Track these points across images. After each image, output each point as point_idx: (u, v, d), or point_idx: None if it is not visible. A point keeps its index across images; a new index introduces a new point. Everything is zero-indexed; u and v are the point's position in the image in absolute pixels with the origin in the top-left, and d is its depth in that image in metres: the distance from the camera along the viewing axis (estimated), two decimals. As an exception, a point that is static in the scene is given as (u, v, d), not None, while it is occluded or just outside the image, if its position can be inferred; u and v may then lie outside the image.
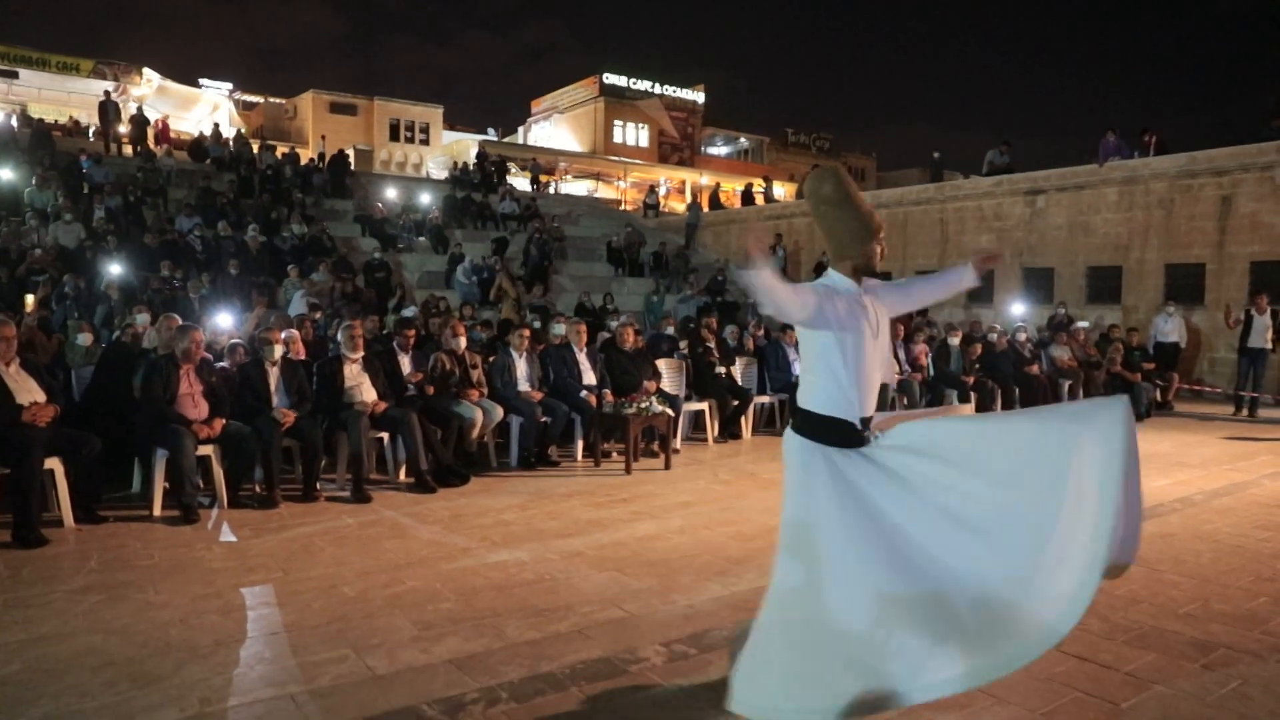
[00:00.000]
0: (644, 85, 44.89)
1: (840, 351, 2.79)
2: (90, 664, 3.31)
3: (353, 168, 23.15)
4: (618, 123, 44.00)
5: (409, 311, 11.94)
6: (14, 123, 23.06)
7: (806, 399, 2.88)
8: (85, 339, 7.44)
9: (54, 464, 5.16)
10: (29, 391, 5.09)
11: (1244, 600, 4.21)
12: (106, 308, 10.80)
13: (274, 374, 6.20)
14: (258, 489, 6.09)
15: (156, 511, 5.56)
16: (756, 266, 2.69)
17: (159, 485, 5.58)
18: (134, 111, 23.16)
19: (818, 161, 45.05)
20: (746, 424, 9.31)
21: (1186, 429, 10.32)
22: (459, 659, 3.40)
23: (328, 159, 22.40)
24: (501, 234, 19.59)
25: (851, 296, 2.85)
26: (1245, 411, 11.51)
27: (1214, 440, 9.40)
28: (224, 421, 5.76)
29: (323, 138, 26.43)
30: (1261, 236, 13.57)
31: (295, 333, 7.01)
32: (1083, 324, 13.07)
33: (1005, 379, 11.03)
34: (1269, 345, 11.51)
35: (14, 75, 32.70)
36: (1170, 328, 13.20)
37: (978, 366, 10.87)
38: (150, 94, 32.12)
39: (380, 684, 3.17)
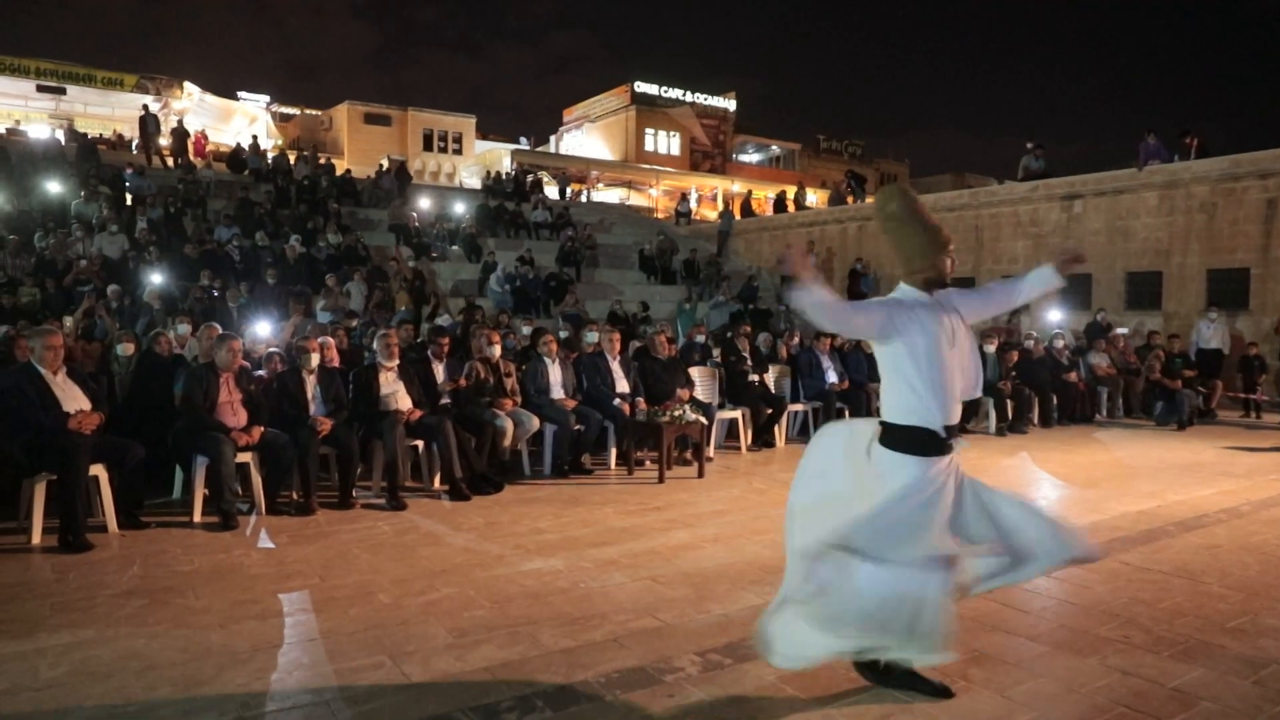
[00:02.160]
0: (675, 93, 44.98)
1: (914, 361, 2.88)
2: (133, 668, 3.37)
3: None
4: (649, 131, 44.11)
5: (443, 320, 12.05)
6: (60, 137, 23.66)
7: (889, 411, 2.98)
8: (126, 349, 7.58)
9: (99, 470, 5.27)
10: (75, 399, 5.21)
11: (1295, 615, 4.10)
12: (148, 317, 11.03)
13: (311, 382, 6.28)
14: (295, 496, 6.17)
15: (196, 518, 5.65)
16: (806, 285, 2.83)
17: (199, 492, 5.67)
18: (175, 124, 23.68)
19: (850, 168, 44.77)
20: (780, 432, 9.26)
21: (1231, 438, 10.09)
22: (494, 666, 3.41)
23: (386, 167, 22.74)
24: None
25: (925, 307, 2.94)
26: (1292, 420, 11.23)
27: (1260, 450, 9.17)
28: (262, 429, 5.84)
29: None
30: (1309, 240, 13.24)
31: (330, 339, 7.09)
32: (1122, 330, 12.86)
33: (1042, 386, 10.86)
34: None
35: (62, 91, 33.57)
36: (1212, 334, 12.92)
37: (1014, 374, 10.72)
38: (191, 107, 32.78)
39: (416, 691, 3.19)
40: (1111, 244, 15.47)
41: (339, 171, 22.25)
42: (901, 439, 2.92)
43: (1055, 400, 11.00)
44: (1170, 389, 11.19)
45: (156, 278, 11.91)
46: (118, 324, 10.27)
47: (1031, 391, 10.68)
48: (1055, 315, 13.51)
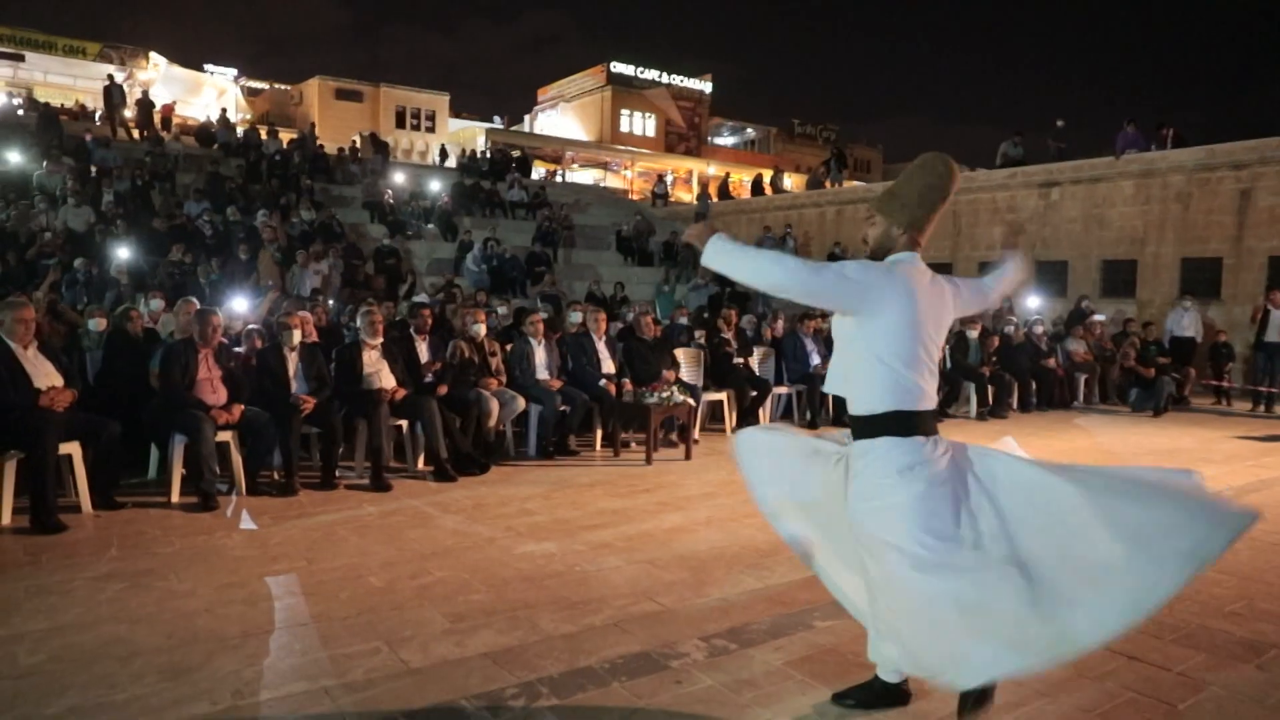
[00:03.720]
0: (651, 74, 44.70)
1: (910, 338, 2.48)
2: (117, 654, 3.23)
3: (360, 155, 23.00)
4: (625, 112, 43.82)
5: (421, 298, 11.85)
6: (16, 105, 22.89)
7: (860, 401, 2.55)
8: (97, 324, 7.33)
9: (71, 449, 5.08)
10: (46, 375, 5.00)
11: (1290, 599, 4.12)
12: (116, 292, 10.72)
13: (293, 359, 6.11)
14: (276, 476, 6.00)
15: (175, 498, 5.47)
16: (707, 243, 2.47)
17: (177, 471, 5.49)
18: (140, 96, 23.01)
19: (823, 153, 44.92)
20: (765, 415, 9.22)
21: (1206, 424, 10.22)
22: (494, 652, 3.31)
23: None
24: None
25: (922, 278, 2.56)
26: (1262, 407, 11.40)
27: (1234, 436, 9.29)
28: (243, 407, 5.67)
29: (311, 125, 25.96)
30: (1280, 231, 13.43)
31: (308, 314, 6.91)
32: (1099, 317, 12.96)
33: (1022, 372, 10.93)
34: None
35: (20, 59, 32.52)
36: (1186, 322, 13.08)
37: (995, 359, 10.77)
38: (157, 79, 31.93)
39: (416, 678, 3.08)
40: (1088, 232, 15.60)
41: (317, 144, 21.74)
42: (881, 427, 2.48)
43: (1034, 386, 11.08)
44: (1145, 376, 11.32)
45: (124, 252, 11.55)
46: (85, 298, 9.97)
47: (1011, 376, 10.74)
48: (1033, 302, 13.60)
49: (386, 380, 6.46)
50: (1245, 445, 8.70)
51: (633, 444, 7.98)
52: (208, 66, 37.97)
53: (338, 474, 6.09)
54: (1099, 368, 12.03)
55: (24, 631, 3.43)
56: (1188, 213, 14.32)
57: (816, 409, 9.45)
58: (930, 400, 2.56)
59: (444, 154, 30.79)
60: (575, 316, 8.67)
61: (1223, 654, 3.45)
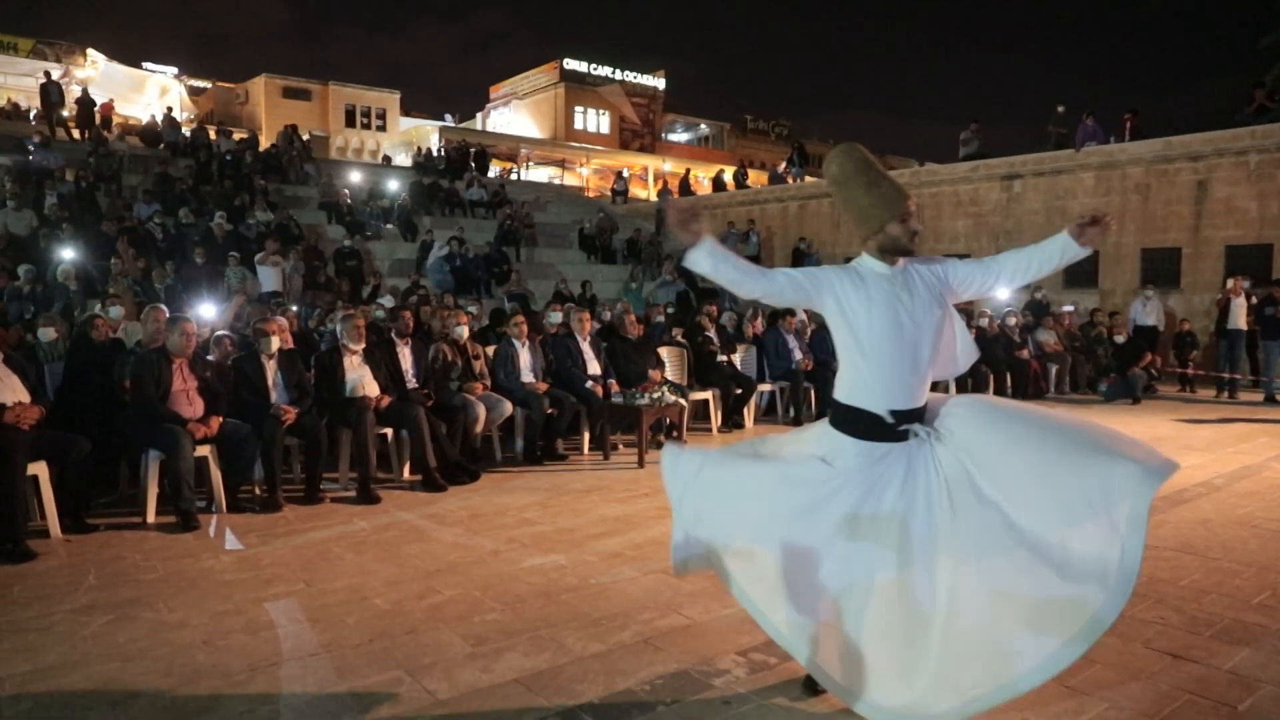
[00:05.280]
0: (604, 71, 44.37)
1: (854, 335, 2.64)
2: (112, 698, 2.95)
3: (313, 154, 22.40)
4: (579, 109, 43.44)
5: (386, 301, 11.50)
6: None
7: (836, 387, 2.78)
8: (48, 334, 6.88)
9: (39, 469, 4.73)
10: (13, 390, 4.65)
11: (1310, 588, 4.10)
12: (65, 299, 10.21)
13: (271, 368, 5.80)
14: (258, 491, 5.70)
15: (151, 518, 5.15)
16: (693, 245, 2.56)
17: (152, 490, 5.16)
18: (79, 94, 22.09)
19: (776, 148, 45.12)
20: (749, 413, 9.10)
21: (1179, 410, 10.37)
22: (525, 677, 3.11)
23: (294, 142, 21.61)
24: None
25: (880, 278, 2.67)
26: (1226, 394, 11.63)
27: (1209, 423, 9.43)
28: (221, 420, 5.35)
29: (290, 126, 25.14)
30: (1236, 220, 13.74)
31: (284, 320, 6.59)
32: (1068, 308, 13.12)
33: (997, 364, 10.99)
34: (1244, 327, 11.63)
35: (-55, 56, 31.07)
36: (1149, 311, 13.30)
37: (971, 351, 10.79)
38: (96, 76, 30.73)
39: (447, 709, 2.87)
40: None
41: (272, 145, 21.05)
42: (841, 418, 2.70)
43: (1009, 377, 11.14)
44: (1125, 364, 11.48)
45: (71, 255, 11.01)
46: (32, 306, 9.47)
47: (987, 368, 10.79)
48: (1003, 293, 13.70)
49: (370, 387, 6.18)
50: (1222, 430, 8.83)
51: (620, 446, 7.79)
52: (146, 64, 36.70)
53: (322, 487, 5.80)
54: (1069, 358, 12.16)
55: (3, 676, 3.13)
56: (1147, 204, 14.58)
57: (800, 405, 9.36)
58: (900, 396, 2.64)
59: (387, 160, 30.19)
60: (555, 317, 8.46)
61: (1266, 649, 3.39)
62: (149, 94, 32.99)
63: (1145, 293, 13.49)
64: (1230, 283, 11.86)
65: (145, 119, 23.87)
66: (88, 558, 4.51)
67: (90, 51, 32.24)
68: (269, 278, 11.81)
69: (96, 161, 16.47)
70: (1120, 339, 12.04)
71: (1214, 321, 12.07)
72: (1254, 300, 11.63)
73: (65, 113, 20.85)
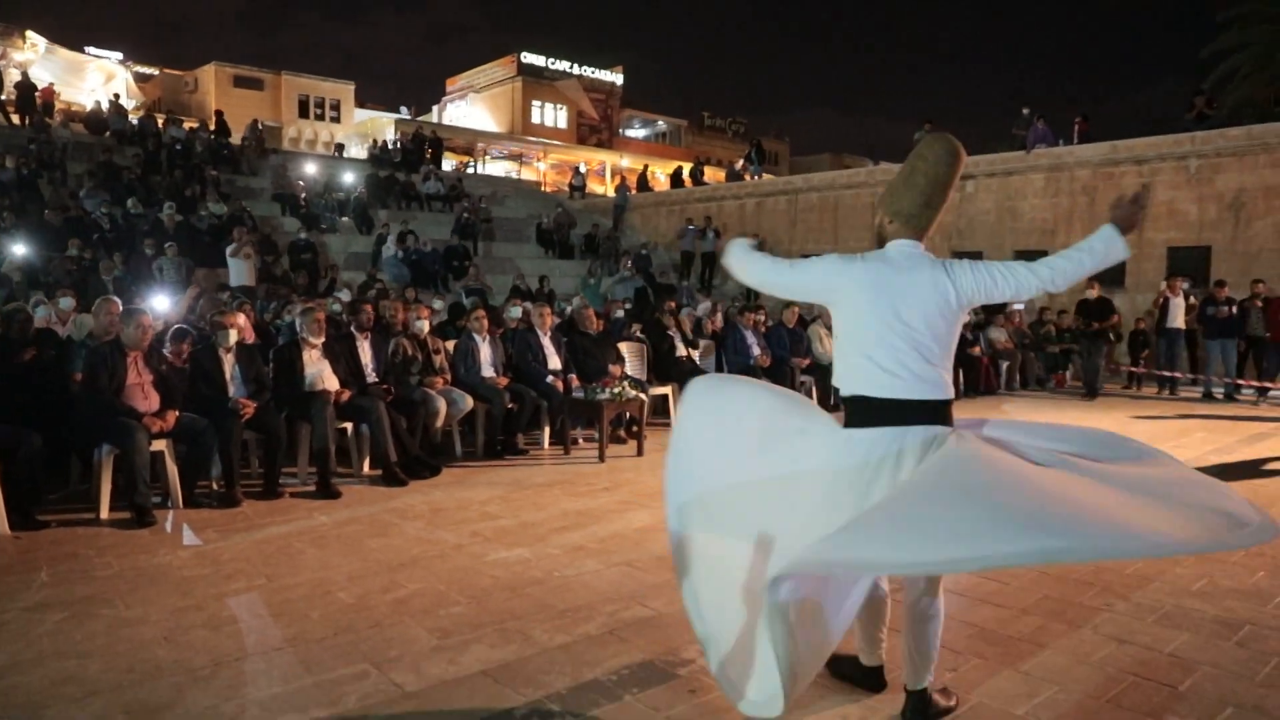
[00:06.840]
0: (562, 65, 44.19)
1: (858, 321, 2.59)
2: (71, 695, 2.91)
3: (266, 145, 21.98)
4: (536, 103, 43.22)
5: (343, 294, 11.36)
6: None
7: (839, 381, 2.67)
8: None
9: (-13, 464, 4.62)
10: (-42, 384, 4.53)
11: (1245, 576, 4.28)
12: (8, 290, 9.92)
13: (229, 361, 5.71)
14: (215, 486, 5.62)
15: (104, 514, 5.05)
16: (733, 244, 2.87)
17: (106, 485, 5.06)
18: (18, 78, 21.37)
19: (732, 145, 45.36)
20: (708, 408, 9.17)
21: (1130, 408, 10.72)
22: (492, 669, 3.14)
23: (243, 135, 21.18)
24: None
25: (879, 258, 2.62)
26: (1167, 391, 12.02)
27: (1150, 419, 9.75)
28: (177, 413, 5.26)
29: (218, 112, 24.25)
30: (1177, 223, 14.20)
31: (244, 314, 6.49)
32: (1018, 306, 13.43)
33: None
34: (1183, 326, 12.05)
35: (-128, 36, 29.79)
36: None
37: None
38: (36, 59, 29.74)
39: (415, 702, 2.88)
40: (1001, 223, 16.17)
41: (226, 136, 20.59)
42: (853, 412, 2.57)
43: (960, 374, 11.38)
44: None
45: (18, 248, 10.69)
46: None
47: (940, 365, 11.01)
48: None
49: (329, 381, 6.12)
50: (1166, 425, 9.15)
51: (580, 441, 7.82)
52: (89, 49, 35.61)
53: (281, 482, 5.74)
54: (1019, 355, 12.47)
55: (-43, 673, 3.07)
56: (1094, 205, 14.99)
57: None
58: (900, 388, 2.51)
59: (340, 149, 29.73)
60: (515, 311, 8.45)
61: (1204, 633, 3.55)
62: (92, 79, 32.02)
63: (1089, 292, 13.84)
64: (1165, 283, 12.26)
65: (89, 105, 23.16)
66: (39, 554, 4.41)
67: (30, 34, 31.15)
68: (240, 271, 11.52)
69: (38, 148, 15.98)
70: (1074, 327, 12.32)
71: (1154, 320, 12.47)
72: (1193, 301, 12.05)
73: (3, 96, 20.17)
